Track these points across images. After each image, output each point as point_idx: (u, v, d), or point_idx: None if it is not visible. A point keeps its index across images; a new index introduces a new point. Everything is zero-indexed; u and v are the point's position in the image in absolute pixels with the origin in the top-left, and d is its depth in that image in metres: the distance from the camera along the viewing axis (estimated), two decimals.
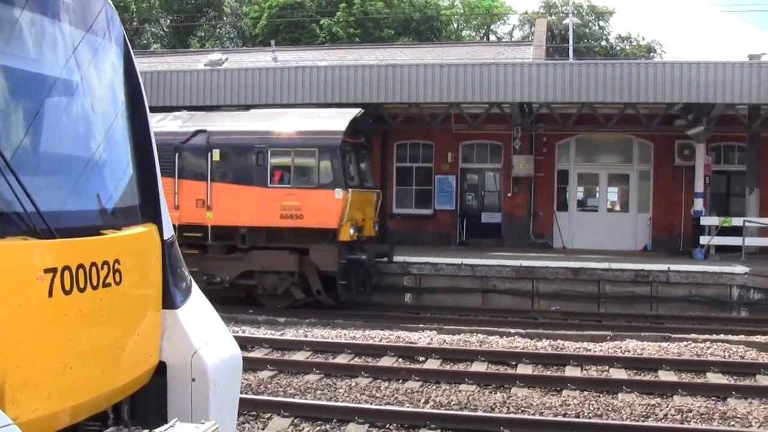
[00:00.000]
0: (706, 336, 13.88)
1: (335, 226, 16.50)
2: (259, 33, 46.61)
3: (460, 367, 12.05)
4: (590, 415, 9.49)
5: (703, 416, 9.43)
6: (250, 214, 16.92)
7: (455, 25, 55.74)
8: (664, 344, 13.25)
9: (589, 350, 12.90)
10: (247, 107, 19.39)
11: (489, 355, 12.51)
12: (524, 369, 11.88)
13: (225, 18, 54.47)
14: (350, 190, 16.55)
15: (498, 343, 13.53)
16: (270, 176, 16.95)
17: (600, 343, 13.34)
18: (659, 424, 9.15)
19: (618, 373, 11.65)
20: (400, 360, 12.43)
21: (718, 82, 18.58)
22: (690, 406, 9.74)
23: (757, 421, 9.31)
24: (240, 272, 17.30)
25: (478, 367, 12.00)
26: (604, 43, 54.57)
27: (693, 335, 14.04)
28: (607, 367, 11.97)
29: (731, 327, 15.39)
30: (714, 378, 11.47)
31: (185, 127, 17.54)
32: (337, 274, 16.80)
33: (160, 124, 17.13)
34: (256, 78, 21.19)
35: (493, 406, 9.74)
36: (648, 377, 11.55)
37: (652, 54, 52.76)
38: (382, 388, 10.54)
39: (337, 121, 17.30)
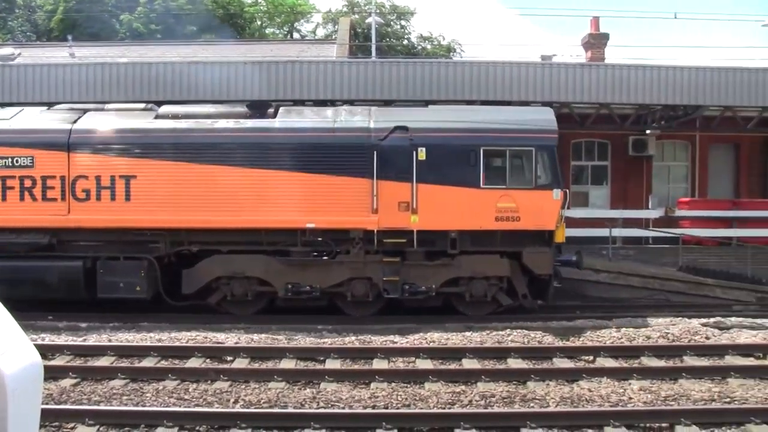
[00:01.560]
0: (507, 324, 14.54)
1: (552, 228, 15.78)
2: (54, 27, 44.24)
3: (269, 365, 11.98)
4: (398, 405, 9.71)
5: (505, 400, 9.89)
6: (462, 217, 15.71)
7: (259, 23, 55.36)
8: (467, 333, 13.75)
9: (396, 342, 13.18)
10: (48, 105, 18.19)
11: (297, 351, 12.51)
12: (333, 364, 11.97)
13: (17, 10, 51.26)
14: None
15: (306, 339, 13.56)
16: (483, 176, 15.73)
17: (406, 336, 13.65)
18: (464, 410, 9.50)
19: (424, 364, 11.97)
20: (208, 361, 12.20)
21: (513, 81, 19.53)
22: (493, 392, 10.19)
23: (554, 401, 9.87)
24: (446, 280, 16.08)
25: (287, 364, 11.97)
26: (406, 42, 55.98)
27: (494, 323, 14.68)
28: (414, 358, 12.27)
29: (530, 315, 16.16)
30: (515, 363, 12.05)
31: (379, 123, 15.99)
32: (552, 276, 16.10)
33: (340, 119, 16.07)
34: (53, 74, 20.03)
35: (303, 402, 9.75)
36: (453, 366, 11.95)
37: (452, 53, 54.69)
38: (190, 390, 10.31)
39: (548, 118, 16.35)
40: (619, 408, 9.56)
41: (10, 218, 15.86)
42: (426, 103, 17.89)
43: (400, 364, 12.07)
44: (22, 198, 15.91)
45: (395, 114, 16.49)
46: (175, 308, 16.15)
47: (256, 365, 11.95)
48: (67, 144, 15.82)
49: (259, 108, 16.69)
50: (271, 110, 16.61)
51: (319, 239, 15.93)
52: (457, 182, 15.64)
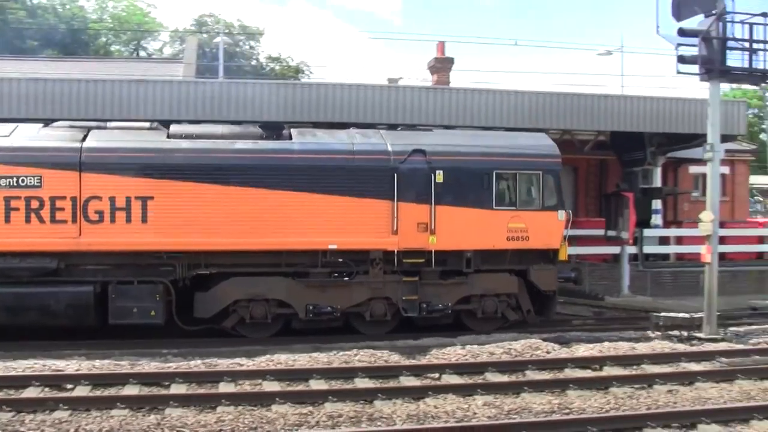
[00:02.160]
0: (354, 344, 14.57)
1: (557, 246, 16.74)
2: None
3: (111, 391, 11.58)
4: (245, 429, 9.56)
5: (352, 419, 9.90)
6: (476, 237, 16.36)
7: (104, 39, 53.72)
8: (315, 354, 13.70)
9: (242, 365, 12.96)
10: None
11: (141, 377, 12.12)
12: (178, 388, 11.66)
13: None
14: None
15: (150, 364, 13.12)
16: (496, 198, 16.43)
17: (253, 358, 13.45)
18: (311, 431, 9.43)
19: (271, 386, 11.84)
20: (46, 389, 11.61)
21: (360, 102, 19.61)
22: (340, 411, 10.18)
23: (401, 419, 9.96)
24: (460, 298, 16.55)
25: (130, 390, 11.60)
26: (254, 62, 55.70)
27: (340, 344, 14.68)
28: (260, 381, 12.11)
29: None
30: (362, 383, 12.09)
31: (397, 146, 16.38)
32: (555, 292, 17.07)
33: (361, 141, 16.45)
34: None
35: (147, 430, 9.43)
36: (300, 387, 11.87)
37: (300, 75, 54.83)
38: (27, 421, 9.84)
39: (550, 143, 17.33)
40: (463, 423, 9.73)
41: (15, 241, 14.93)
42: (269, 124, 17.61)
43: (246, 386, 11.88)
44: (28, 220, 15.00)
45: (411, 137, 16.95)
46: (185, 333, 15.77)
47: (98, 392, 11.50)
48: (79, 163, 15.11)
49: (272, 129, 16.78)
50: (285, 131, 16.76)
51: (340, 260, 16.10)
52: (471, 204, 16.38)
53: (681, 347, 14.82)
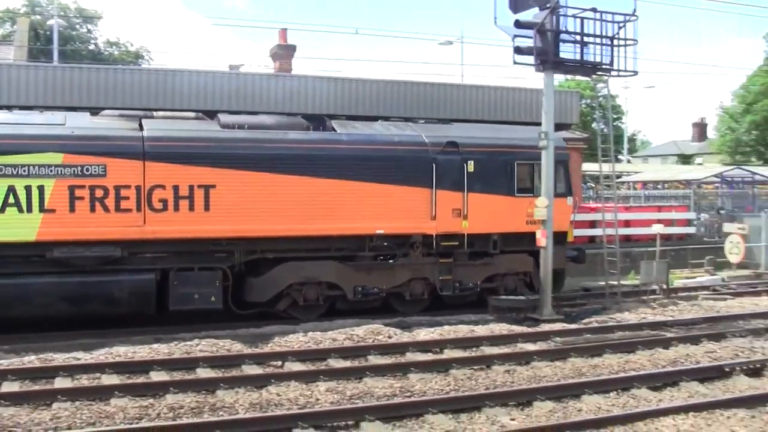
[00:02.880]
0: (195, 333, 14.38)
1: (566, 229, 18.71)
2: None
3: None
4: (83, 424, 9.27)
5: (194, 410, 9.78)
6: (502, 222, 17.98)
7: None
8: (155, 346, 13.43)
9: (79, 359, 12.52)
10: None
11: None
12: (10, 386, 11.17)
13: None
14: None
15: None
16: (517, 186, 18.13)
17: (90, 351, 13.02)
18: (152, 424, 9.25)
19: (109, 379, 11.53)
20: None
21: (200, 90, 19.20)
22: (182, 403, 10.02)
23: (243, 407, 9.91)
24: (486, 276, 18.19)
25: None
26: (92, 46, 53.65)
27: (182, 334, 14.46)
28: (99, 375, 11.77)
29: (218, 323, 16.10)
30: (204, 373, 11.94)
31: (432, 138, 17.74)
32: (564, 270, 19.03)
33: (399, 133, 17.77)
34: None
35: None
36: (140, 379, 11.61)
37: (140, 60, 53.25)
38: None
39: (560, 137, 19.40)
40: (306, 410, 9.79)
41: (80, 230, 14.91)
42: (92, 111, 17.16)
43: (84, 381, 11.51)
44: (93, 209, 15.06)
45: (441, 130, 18.55)
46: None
47: None
48: (143, 153, 15.32)
49: (316, 120, 17.94)
50: (329, 123, 17.92)
51: (384, 244, 17.32)
52: (497, 191, 18.01)
53: (518, 329, 15.42)
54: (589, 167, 36.11)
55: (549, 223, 17.08)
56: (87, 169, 14.99)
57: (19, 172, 14.59)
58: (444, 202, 17.46)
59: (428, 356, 13.26)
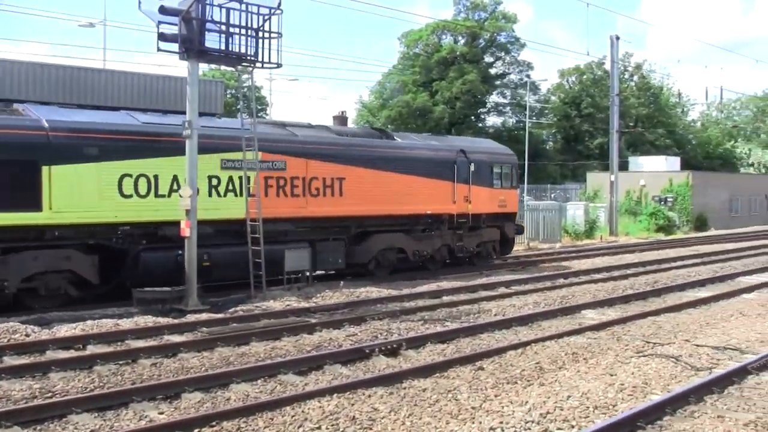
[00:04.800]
0: None
1: (516, 210, 28.98)
2: None
3: None
4: None
5: None
6: (487, 205, 26.48)
7: None
8: None
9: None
10: None
11: None
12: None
13: None
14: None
15: None
16: (494, 181, 26.88)
17: None
18: None
19: None
20: None
21: None
22: None
23: None
24: (477, 243, 26.67)
25: None
26: None
27: None
28: None
29: None
30: None
31: (452, 147, 26.40)
32: (513, 239, 28.99)
33: (434, 143, 26.43)
34: None
35: None
36: None
37: None
38: None
39: (508, 149, 29.76)
40: None
41: (270, 210, 19.55)
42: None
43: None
44: (277, 194, 20.32)
45: (456, 141, 28.82)
46: None
47: None
48: (305, 152, 20.94)
49: (383, 131, 26.39)
50: (390, 133, 26.16)
51: (429, 221, 24.66)
52: (485, 185, 26.54)
53: (164, 321, 15.41)
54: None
55: (193, 213, 17.18)
56: (275, 164, 20.19)
57: (235, 166, 19.17)
58: (459, 191, 25.46)
59: (70, 353, 12.82)
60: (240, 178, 19.12)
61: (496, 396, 10.50)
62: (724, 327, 15.74)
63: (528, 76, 76.87)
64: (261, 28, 18.30)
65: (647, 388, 10.81)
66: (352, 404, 10.08)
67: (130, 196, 17.51)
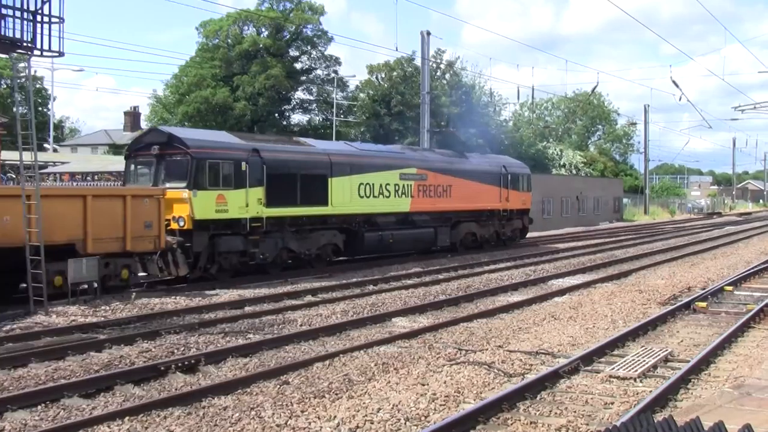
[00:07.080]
0: None
1: (529, 207, 42.14)
2: None
3: None
4: None
5: None
6: (515, 203, 39.46)
7: None
8: None
9: None
10: None
11: None
12: None
13: None
14: None
15: None
16: (517, 186, 39.63)
17: None
18: None
19: None
20: None
21: None
22: None
23: None
24: (511, 230, 40.06)
25: None
26: None
27: None
28: None
29: None
30: None
31: (499, 163, 39.40)
32: (528, 228, 42.79)
33: (491, 161, 40.15)
34: None
35: None
36: None
37: None
38: None
39: (511, 161, 43.15)
40: None
41: (420, 207, 32.65)
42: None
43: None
44: (422, 196, 32.91)
45: (499, 159, 41.12)
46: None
47: None
48: (433, 168, 33.63)
49: (460, 152, 39.38)
50: (464, 152, 39.82)
51: (488, 214, 37.30)
52: (516, 189, 38.99)
53: None
54: (9, 156, 34.73)
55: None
56: (423, 177, 32.65)
57: (407, 177, 31.71)
58: (503, 194, 37.75)
59: None
60: (405, 185, 31.70)
61: (302, 412, 10.39)
62: (536, 331, 16.36)
63: (336, 71, 77.72)
64: (39, 11, 17.28)
65: (460, 397, 11.04)
66: (146, 428, 9.75)
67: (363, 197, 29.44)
